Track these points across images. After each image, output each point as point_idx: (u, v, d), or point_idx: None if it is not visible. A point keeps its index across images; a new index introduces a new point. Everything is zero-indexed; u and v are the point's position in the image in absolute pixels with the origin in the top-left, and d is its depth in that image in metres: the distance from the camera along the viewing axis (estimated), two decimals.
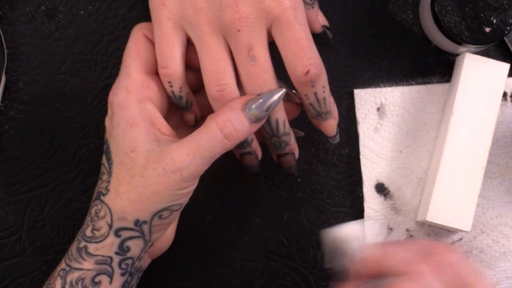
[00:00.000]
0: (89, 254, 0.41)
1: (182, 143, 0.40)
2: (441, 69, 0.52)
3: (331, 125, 0.44)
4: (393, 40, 0.52)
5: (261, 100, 0.40)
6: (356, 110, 0.51)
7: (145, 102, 0.41)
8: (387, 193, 0.51)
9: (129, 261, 0.42)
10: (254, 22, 0.38)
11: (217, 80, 0.40)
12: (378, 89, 0.51)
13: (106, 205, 0.41)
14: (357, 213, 0.51)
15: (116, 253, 0.41)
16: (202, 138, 0.39)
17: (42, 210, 0.51)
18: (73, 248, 0.42)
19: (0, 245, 0.50)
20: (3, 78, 0.50)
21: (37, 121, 0.51)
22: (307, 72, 0.39)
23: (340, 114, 0.51)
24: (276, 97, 0.40)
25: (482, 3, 0.47)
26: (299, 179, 0.51)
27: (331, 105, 0.43)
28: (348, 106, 0.51)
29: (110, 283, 0.41)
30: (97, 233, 0.41)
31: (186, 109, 0.44)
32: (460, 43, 0.48)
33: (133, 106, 0.41)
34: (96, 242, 0.41)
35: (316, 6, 0.46)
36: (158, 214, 0.41)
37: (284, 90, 0.40)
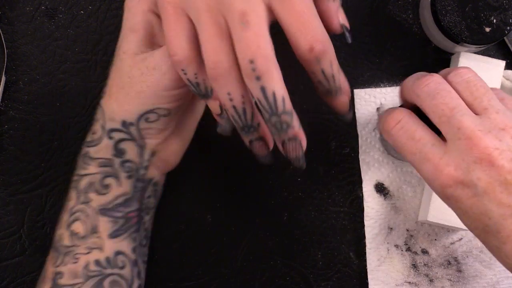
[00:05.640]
0: (91, 158, 0.43)
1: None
2: (441, 69, 0.51)
3: (343, 102, 0.40)
4: (393, 40, 0.52)
5: None
6: (356, 110, 0.51)
7: (151, 14, 0.42)
8: (387, 193, 0.51)
9: (131, 164, 0.43)
10: None
11: (210, 57, 0.37)
12: (378, 89, 0.51)
13: (101, 107, 0.43)
14: (357, 213, 0.51)
15: (114, 155, 0.43)
16: None
17: (42, 210, 0.51)
18: (79, 158, 0.44)
19: (0, 245, 0.50)
20: (3, 78, 0.50)
21: (37, 121, 0.51)
22: (311, 48, 0.36)
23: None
24: None
25: (482, 3, 0.47)
26: (299, 179, 0.51)
27: (341, 81, 0.40)
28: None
29: (119, 185, 0.43)
30: (94, 136, 0.44)
31: (207, 97, 0.41)
32: (460, 43, 0.48)
33: (138, 14, 0.42)
34: (94, 146, 0.43)
35: (338, 1, 0.41)
36: (144, 116, 0.42)
37: None
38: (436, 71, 0.52)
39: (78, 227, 0.43)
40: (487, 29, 0.47)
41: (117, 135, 0.43)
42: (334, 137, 0.51)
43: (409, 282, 0.50)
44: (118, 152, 0.43)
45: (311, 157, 0.51)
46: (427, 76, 0.40)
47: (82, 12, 0.52)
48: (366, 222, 0.51)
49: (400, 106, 0.43)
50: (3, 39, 0.50)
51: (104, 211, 0.42)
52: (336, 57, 0.38)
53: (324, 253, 0.51)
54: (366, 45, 0.52)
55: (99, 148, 0.43)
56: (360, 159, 0.51)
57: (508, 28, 0.47)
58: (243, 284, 0.51)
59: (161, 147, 0.45)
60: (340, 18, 0.41)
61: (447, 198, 0.38)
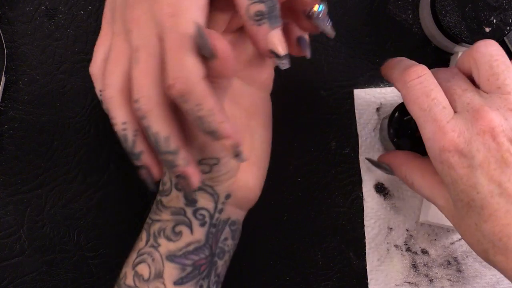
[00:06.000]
0: (164, 206, 0.43)
1: None
2: None
3: (224, 146, 0.37)
4: (393, 40, 0.52)
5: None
6: (356, 110, 0.51)
7: None
8: (387, 193, 0.51)
9: (204, 212, 0.42)
10: (143, 25, 0.36)
11: (101, 80, 0.38)
12: (378, 89, 0.51)
13: None
14: (357, 213, 0.51)
15: (186, 205, 0.42)
16: None
17: (42, 210, 0.51)
18: (153, 203, 0.44)
19: (0, 245, 0.50)
20: (3, 78, 0.50)
21: (37, 121, 0.51)
22: (171, 86, 0.34)
23: (340, 114, 0.51)
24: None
25: (482, 3, 0.47)
26: (299, 179, 0.51)
27: (215, 125, 0.36)
28: (348, 106, 0.51)
29: (192, 233, 0.42)
30: (165, 187, 0.43)
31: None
32: (460, 43, 0.48)
33: None
34: (166, 196, 0.43)
35: (266, 25, 0.36)
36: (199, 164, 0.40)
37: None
38: None
39: (143, 269, 0.42)
40: (487, 29, 0.47)
41: None
42: (334, 137, 0.51)
43: (409, 282, 0.50)
44: (190, 201, 0.42)
45: (311, 157, 0.51)
46: (441, 69, 0.41)
47: (82, 12, 0.52)
48: (366, 222, 0.51)
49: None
50: (3, 39, 0.50)
51: (172, 257, 0.41)
52: (210, 101, 0.35)
53: (324, 253, 0.51)
54: (366, 45, 0.52)
55: (171, 197, 0.42)
56: (360, 159, 0.51)
57: (508, 28, 0.47)
58: (243, 284, 0.51)
59: (236, 187, 0.43)
60: (268, 44, 0.37)
61: (441, 163, 0.38)
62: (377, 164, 0.47)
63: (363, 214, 0.51)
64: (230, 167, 0.42)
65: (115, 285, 0.43)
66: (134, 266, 0.42)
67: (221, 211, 0.43)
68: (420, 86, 0.39)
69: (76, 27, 0.51)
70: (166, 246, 0.42)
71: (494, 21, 0.47)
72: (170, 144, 0.36)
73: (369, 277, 0.50)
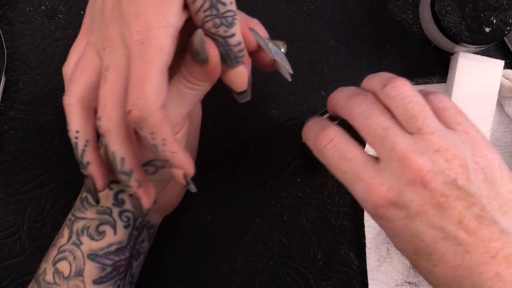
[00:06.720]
0: (89, 204, 0.43)
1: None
2: (441, 69, 0.52)
3: (176, 175, 0.38)
4: (393, 40, 0.52)
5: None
6: None
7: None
8: None
9: (129, 214, 0.43)
10: (115, 46, 0.36)
11: (66, 91, 0.39)
12: None
13: None
14: (357, 213, 0.51)
15: (114, 205, 0.42)
16: None
17: (42, 210, 0.51)
18: (78, 199, 0.44)
19: (0, 245, 0.50)
20: (3, 78, 0.50)
21: (37, 121, 0.51)
22: (129, 111, 0.35)
23: None
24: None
25: (482, 3, 0.47)
26: (299, 179, 0.51)
27: (167, 154, 0.37)
28: None
29: (115, 234, 0.42)
30: None
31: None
32: (460, 43, 0.48)
33: None
34: None
35: (224, 65, 0.38)
36: (142, 168, 0.41)
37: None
38: (436, 71, 0.52)
39: (64, 266, 0.42)
40: (487, 29, 0.47)
41: (116, 187, 0.42)
42: None
43: (409, 282, 0.50)
44: (118, 201, 0.42)
45: (311, 157, 0.51)
46: (359, 95, 0.38)
47: (82, 12, 0.51)
48: (366, 222, 0.51)
49: (327, 114, 0.42)
50: (3, 39, 0.50)
51: (93, 256, 0.42)
52: (164, 131, 0.36)
53: (324, 253, 0.51)
54: (366, 45, 0.52)
55: (99, 196, 0.42)
56: None
57: (508, 28, 0.47)
58: (243, 284, 0.51)
59: (162, 195, 0.44)
60: (225, 80, 0.39)
61: (379, 218, 0.37)
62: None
63: (363, 214, 0.51)
64: (164, 175, 0.42)
65: (33, 280, 0.44)
66: (55, 263, 0.43)
67: (144, 215, 0.43)
68: (334, 151, 0.38)
69: (76, 27, 0.51)
70: (88, 244, 0.42)
71: (494, 21, 0.47)
72: (125, 165, 0.38)
73: (369, 277, 0.50)
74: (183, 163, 0.38)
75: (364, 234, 0.51)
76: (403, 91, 0.37)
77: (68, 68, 0.40)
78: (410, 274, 0.50)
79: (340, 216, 0.51)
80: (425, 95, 0.38)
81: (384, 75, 0.38)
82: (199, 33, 0.36)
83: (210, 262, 0.51)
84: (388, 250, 0.51)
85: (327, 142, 0.38)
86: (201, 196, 0.51)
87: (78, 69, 0.38)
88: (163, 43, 0.35)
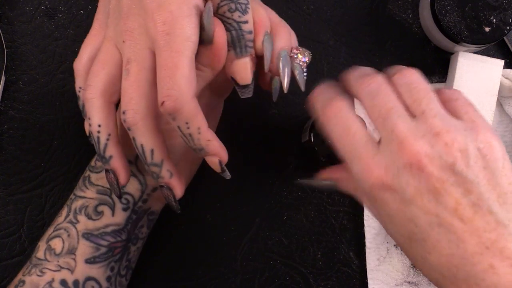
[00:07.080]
0: (91, 183, 0.43)
1: None
2: (441, 68, 0.52)
3: (211, 162, 0.39)
4: (393, 40, 0.52)
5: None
6: (356, 110, 0.51)
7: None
8: None
9: (129, 198, 0.43)
10: (137, 38, 0.36)
11: (84, 78, 0.39)
12: None
13: None
14: (357, 212, 0.51)
15: None
16: None
17: (42, 210, 0.51)
18: (81, 179, 0.44)
19: (0, 245, 0.50)
20: (3, 78, 0.50)
21: (37, 121, 0.51)
22: (162, 103, 0.35)
23: None
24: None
25: (482, 2, 0.47)
26: (298, 179, 0.51)
27: (203, 143, 0.37)
28: None
29: (113, 215, 0.43)
30: (98, 163, 0.44)
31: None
32: (459, 43, 0.48)
33: None
34: (97, 172, 0.43)
35: (232, 53, 0.38)
36: None
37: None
38: (436, 71, 0.52)
39: (56, 243, 0.42)
40: (487, 29, 0.47)
41: None
42: None
43: (409, 282, 0.50)
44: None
45: (311, 156, 0.51)
46: (370, 75, 0.38)
47: (82, 12, 0.52)
48: (365, 222, 0.51)
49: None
50: (3, 39, 0.50)
51: (88, 235, 0.42)
52: (198, 119, 0.36)
53: (324, 253, 0.51)
54: (366, 45, 0.52)
55: (101, 175, 0.43)
56: None
57: (508, 28, 0.47)
58: (243, 284, 0.51)
59: None
60: (230, 71, 0.39)
61: (374, 200, 0.36)
62: (316, 182, 0.45)
63: (363, 214, 0.51)
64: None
65: (28, 261, 0.44)
66: (48, 240, 0.43)
67: (145, 201, 0.44)
68: (340, 122, 0.37)
69: (76, 26, 0.51)
70: (84, 223, 0.42)
71: (494, 20, 0.47)
72: (154, 156, 0.38)
73: (369, 277, 0.50)
74: (218, 151, 0.38)
75: (364, 233, 0.51)
76: (411, 78, 0.37)
77: (80, 64, 0.40)
78: (410, 274, 0.51)
79: (340, 215, 0.51)
80: (438, 89, 0.38)
81: (397, 67, 0.39)
82: (208, 6, 0.36)
83: (209, 262, 0.51)
84: (388, 249, 0.51)
85: (335, 111, 0.38)
86: (201, 196, 0.51)
87: (98, 63, 0.38)
88: (189, 32, 0.35)
